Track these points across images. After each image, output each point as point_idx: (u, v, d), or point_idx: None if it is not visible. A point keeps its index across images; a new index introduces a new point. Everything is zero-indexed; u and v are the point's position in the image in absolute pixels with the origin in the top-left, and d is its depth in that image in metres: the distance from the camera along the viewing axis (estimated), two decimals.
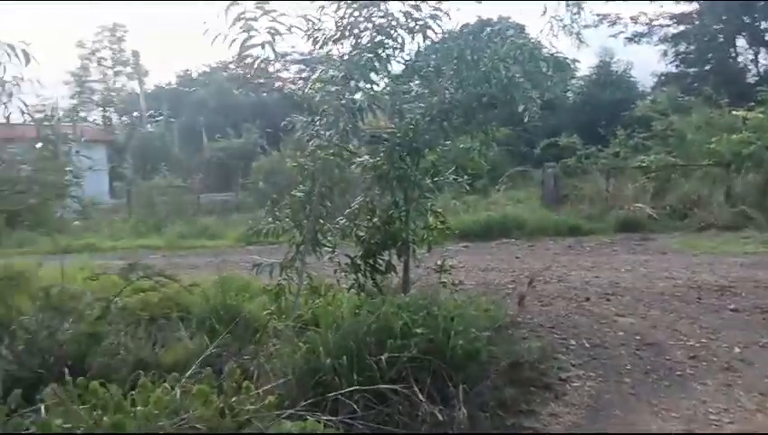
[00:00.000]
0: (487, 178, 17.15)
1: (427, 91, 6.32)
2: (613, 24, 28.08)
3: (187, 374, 3.56)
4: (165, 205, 19.97)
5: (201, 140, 30.62)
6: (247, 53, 4.58)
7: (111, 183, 27.41)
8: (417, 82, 6.29)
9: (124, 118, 42.35)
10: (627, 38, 28.51)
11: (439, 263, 6.57)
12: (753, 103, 16.55)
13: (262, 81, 38.39)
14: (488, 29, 6.96)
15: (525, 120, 6.23)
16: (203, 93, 38.52)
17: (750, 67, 27.98)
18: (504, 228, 14.55)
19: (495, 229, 14.47)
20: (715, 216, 13.92)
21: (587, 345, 5.82)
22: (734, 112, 15.70)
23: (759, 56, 27.58)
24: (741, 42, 27.69)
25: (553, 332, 6.30)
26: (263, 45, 4.49)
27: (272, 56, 4.64)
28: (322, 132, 5.62)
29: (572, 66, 6.33)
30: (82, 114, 39.16)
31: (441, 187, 6.75)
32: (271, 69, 37.75)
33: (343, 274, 5.99)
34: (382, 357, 3.95)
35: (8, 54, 4.41)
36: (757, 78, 26.24)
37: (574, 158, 17.10)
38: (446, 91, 6.26)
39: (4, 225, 7.55)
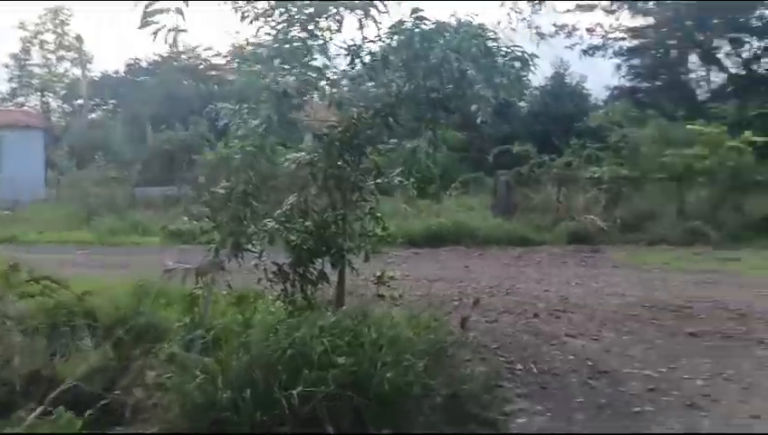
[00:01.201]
0: (440, 184, 16.70)
1: (371, 83, 5.69)
2: (569, 35, 27.98)
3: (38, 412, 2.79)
4: (97, 197, 18.77)
5: (145, 130, 29.28)
6: (152, 19, 3.83)
7: (46, 172, 25.93)
8: (360, 70, 5.62)
9: (65, 105, 40.37)
10: (582, 50, 28.45)
11: (378, 274, 5.90)
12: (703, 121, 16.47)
13: (213, 72, 37.16)
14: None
15: (478, 120, 5.67)
16: (151, 83, 36.98)
17: (701, 84, 28.28)
18: (455, 236, 14.03)
19: (446, 236, 13.95)
20: (666, 230, 13.69)
21: (535, 371, 5.24)
22: (688, 126, 15.53)
23: (710, 74, 27.88)
24: (693, 58, 27.96)
25: (499, 354, 5.71)
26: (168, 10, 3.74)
27: (181, 25, 3.88)
28: (250, 121, 4.94)
29: (531, 62, 5.75)
30: (21, 99, 37.18)
31: (385, 189, 6.14)
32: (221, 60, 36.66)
33: (269, 283, 5.28)
34: (294, 392, 3.26)
35: None
36: (708, 95, 26.50)
37: (527, 166, 16.68)
38: (393, 84, 5.63)
39: None
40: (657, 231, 13.69)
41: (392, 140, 5.80)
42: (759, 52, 25.52)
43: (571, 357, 5.63)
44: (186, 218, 4.96)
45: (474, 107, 5.72)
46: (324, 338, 3.59)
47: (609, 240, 13.77)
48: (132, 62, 41.50)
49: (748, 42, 25.61)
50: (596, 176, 15.59)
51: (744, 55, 25.96)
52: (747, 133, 15.08)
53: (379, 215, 5.47)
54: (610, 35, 28.05)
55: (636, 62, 28.73)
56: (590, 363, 5.45)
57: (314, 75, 4.96)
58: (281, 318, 4.21)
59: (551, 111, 27.39)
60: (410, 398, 3.63)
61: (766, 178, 14.89)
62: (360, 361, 3.54)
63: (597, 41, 28.41)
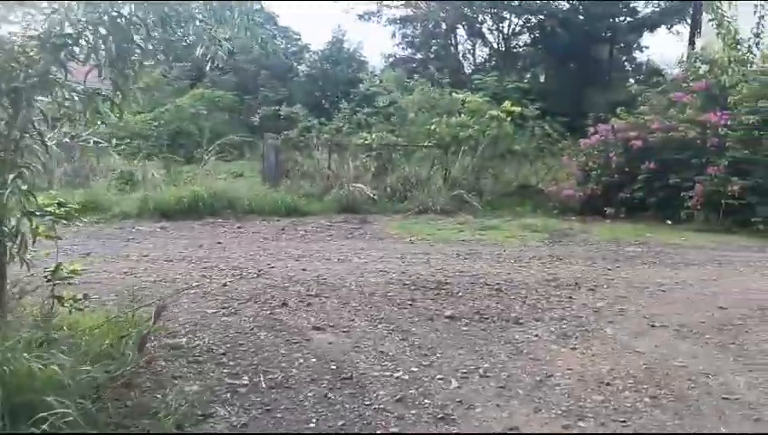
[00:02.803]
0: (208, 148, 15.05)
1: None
2: None
3: None
4: None
5: None
6: None
7: None
8: None
9: None
10: (358, 15, 28.00)
11: (51, 269, 4.34)
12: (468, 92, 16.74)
13: None
14: None
15: (208, 67, 4.39)
16: None
17: (468, 57, 29.47)
18: (213, 206, 12.48)
19: (203, 207, 12.33)
20: (433, 199, 13.50)
21: (264, 386, 4.12)
22: (454, 94, 15.57)
23: (476, 47, 29.10)
24: (461, 32, 28.93)
25: (224, 362, 4.51)
26: None
27: None
28: None
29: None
30: None
31: (68, 148, 4.59)
32: None
33: None
34: None
35: None
36: (473, 68, 27.61)
37: (296, 130, 15.62)
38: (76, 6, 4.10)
39: None
40: (424, 200, 13.45)
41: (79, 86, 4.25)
42: (517, 29, 27.06)
43: (314, 360, 4.61)
44: None
45: (199, 50, 4.51)
46: None
47: (378, 209, 13.28)
48: None
49: (508, 19, 27.01)
50: (366, 142, 15.00)
51: (505, 31, 27.39)
52: (506, 103, 15.49)
53: (26, 187, 3.87)
54: (384, 3, 27.91)
55: (409, 31, 29.02)
56: (334, 367, 4.48)
57: None
58: None
59: (329, 75, 26.68)
60: None
61: (522, 148, 15.51)
62: None
63: (372, 6, 28.12)
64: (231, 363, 4.48)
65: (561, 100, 20.60)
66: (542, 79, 26.64)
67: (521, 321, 5.76)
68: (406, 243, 10.02)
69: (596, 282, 7.37)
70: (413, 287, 6.89)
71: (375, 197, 13.52)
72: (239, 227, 11.29)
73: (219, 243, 9.68)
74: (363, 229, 11.35)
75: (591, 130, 14.31)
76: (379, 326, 5.46)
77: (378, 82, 19.82)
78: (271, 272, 7.63)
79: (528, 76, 26.08)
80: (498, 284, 7.14)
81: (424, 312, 5.96)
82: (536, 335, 5.34)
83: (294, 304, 6.13)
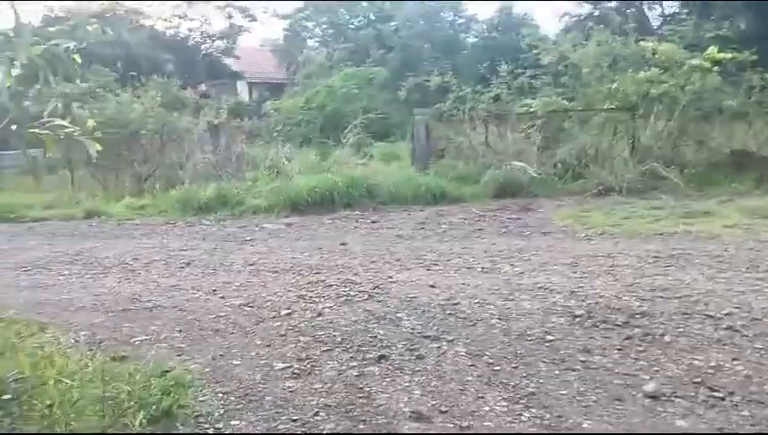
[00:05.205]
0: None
1: None
2: None
3: None
4: None
5: None
6: None
7: None
8: None
9: None
10: None
11: None
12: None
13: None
14: None
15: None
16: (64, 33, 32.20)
17: (654, 7, 25.29)
18: (350, 195, 10.80)
19: (338, 197, 10.71)
20: (616, 175, 10.71)
21: None
22: (641, 43, 12.39)
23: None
24: None
25: None
26: None
27: None
28: None
29: None
30: None
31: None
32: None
33: None
34: None
35: None
36: (661, 20, 23.55)
37: (448, 102, 13.41)
38: None
39: None
40: (605, 177, 10.71)
41: None
42: None
43: None
44: None
45: None
46: None
47: (545, 191, 10.81)
48: (49, 11, 36.46)
49: None
50: (530, 110, 12.42)
51: None
52: (711, 49, 12.03)
53: None
54: None
55: None
56: None
57: None
58: None
59: (497, 44, 24.19)
60: None
61: (736, 104, 11.92)
62: None
63: None
64: None
65: None
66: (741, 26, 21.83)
67: None
68: (579, 239, 7.53)
69: None
70: (587, 322, 4.52)
71: (540, 175, 11.03)
72: (373, 222, 9.46)
73: (343, 244, 7.88)
74: (523, 219, 8.99)
75: None
76: (526, 415, 3.21)
77: (551, 44, 16.91)
78: (388, 290, 5.64)
79: (726, 24, 21.53)
80: (729, 314, 4.52)
81: (606, 378, 3.60)
82: None
83: (398, 355, 4.06)
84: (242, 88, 32.87)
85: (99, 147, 2.99)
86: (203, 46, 33.01)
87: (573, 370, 3.74)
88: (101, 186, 13.25)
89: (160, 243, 8.45)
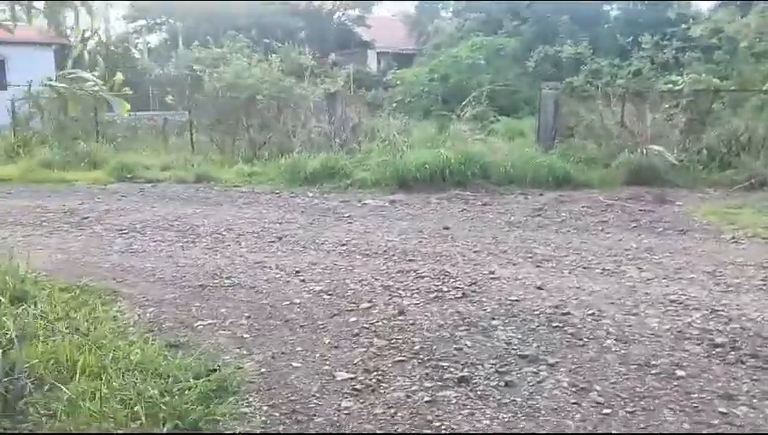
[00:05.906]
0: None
1: None
2: None
3: None
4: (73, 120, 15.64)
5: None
6: None
7: None
8: None
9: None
10: None
11: None
12: None
13: None
14: None
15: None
16: None
17: None
18: (463, 174, 10.02)
19: (449, 175, 9.97)
20: None
21: None
22: None
23: None
24: None
25: None
26: None
27: None
28: None
29: None
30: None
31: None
32: None
33: None
34: None
35: None
36: None
37: (581, 76, 12.17)
38: None
39: None
40: (759, 169, 9.21)
41: None
42: None
43: None
44: None
45: None
46: None
47: (686, 181, 9.50)
48: None
49: None
50: (675, 88, 10.96)
51: None
52: None
53: None
54: None
55: None
56: None
57: None
58: None
59: (643, 17, 22.07)
60: None
61: None
62: None
63: None
64: None
65: None
66: None
67: None
68: (724, 242, 6.36)
69: None
70: (731, 355, 3.57)
71: (681, 162, 9.69)
72: (485, 205, 8.68)
73: (446, 229, 7.19)
74: (657, 213, 7.84)
75: None
76: None
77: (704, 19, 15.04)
78: (486, 288, 4.91)
79: None
80: None
81: None
82: None
83: (484, 378, 3.35)
84: (372, 58, 32.64)
85: (128, 105, 2.53)
86: (336, 15, 33.04)
87: (710, 424, 2.87)
88: (219, 150, 13.33)
89: (259, 213, 8.18)
